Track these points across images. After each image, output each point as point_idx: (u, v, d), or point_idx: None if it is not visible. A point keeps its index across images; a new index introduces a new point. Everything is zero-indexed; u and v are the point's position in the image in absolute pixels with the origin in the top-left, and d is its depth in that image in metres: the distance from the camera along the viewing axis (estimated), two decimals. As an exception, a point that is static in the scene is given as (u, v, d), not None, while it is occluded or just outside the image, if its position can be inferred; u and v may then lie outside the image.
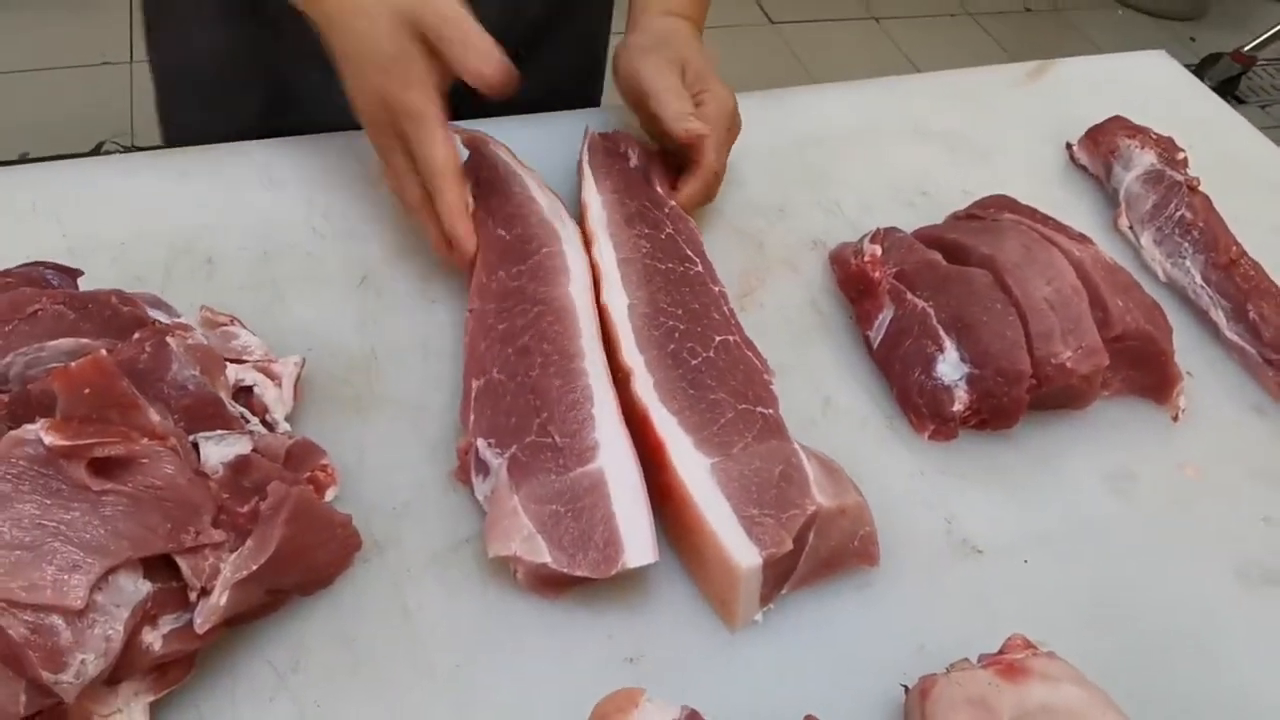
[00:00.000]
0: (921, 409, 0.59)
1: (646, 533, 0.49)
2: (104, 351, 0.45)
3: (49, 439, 0.41)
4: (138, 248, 0.63)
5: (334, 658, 0.47)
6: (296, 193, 0.69)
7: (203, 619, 0.44)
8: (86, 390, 0.43)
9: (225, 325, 0.55)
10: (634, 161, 0.67)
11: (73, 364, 0.44)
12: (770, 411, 0.55)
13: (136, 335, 0.47)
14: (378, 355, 0.60)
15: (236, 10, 0.74)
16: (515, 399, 0.55)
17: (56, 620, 0.40)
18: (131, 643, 0.41)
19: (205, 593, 0.44)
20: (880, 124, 0.83)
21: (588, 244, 0.62)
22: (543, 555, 0.48)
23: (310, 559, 0.49)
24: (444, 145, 0.58)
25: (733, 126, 0.69)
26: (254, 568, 0.45)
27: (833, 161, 0.78)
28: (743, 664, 0.49)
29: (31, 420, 0.42)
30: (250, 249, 0.65)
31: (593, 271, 0.61)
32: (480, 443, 0.53)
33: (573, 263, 0.61)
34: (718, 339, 0.58)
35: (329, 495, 0.51)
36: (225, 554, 0.45)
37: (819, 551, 0.51)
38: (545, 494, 0.50)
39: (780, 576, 0.51)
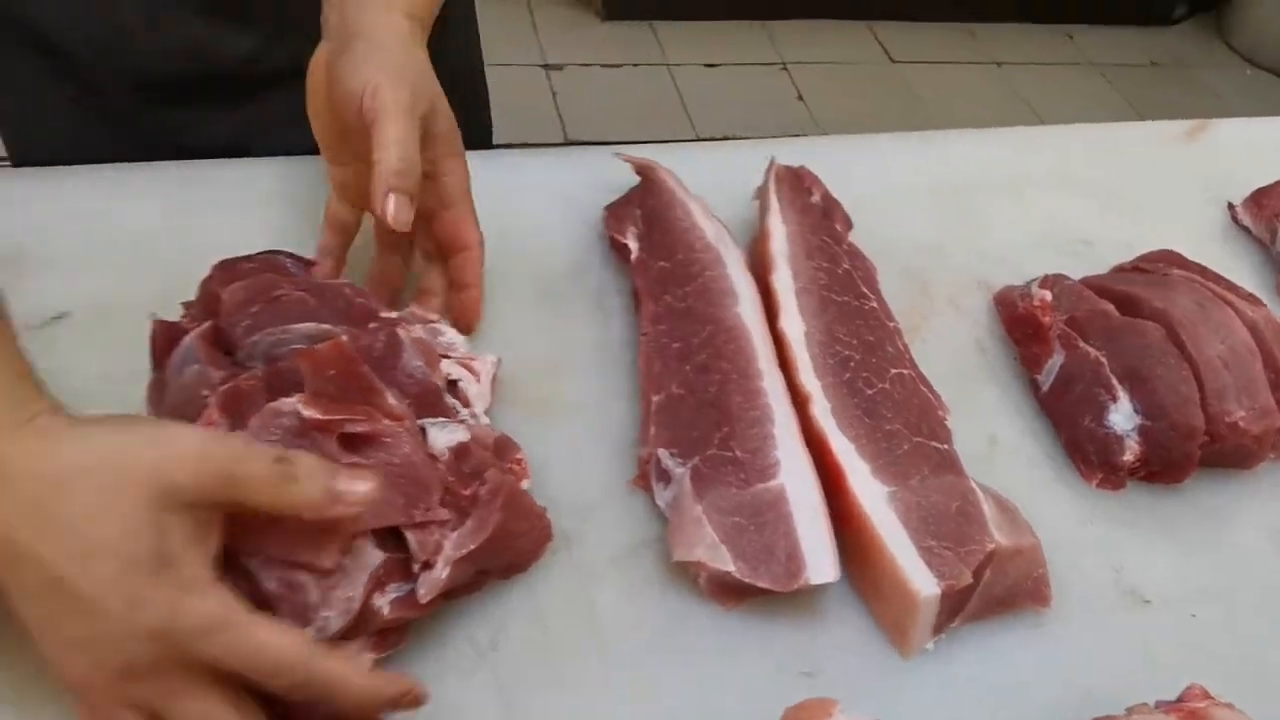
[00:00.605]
0: (1091, 456, 0.60)
1: (829, 551, 0.51)
2: (344, 338, 0.49)
3: (306, 412, 0.45)
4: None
5: (529, 641, 0.50)
6: (483, 207, 0.72)
7: (426, 590, 0.47)
8: (331, 372, 0.47)
9: (432, 323, 0.58)
10: (815, 198, 0.69)
11: (318, 346, 0.48)
12: (945, 447, 0.57)
13: (372, 325, 0.51)
14: (559, 363, 0.64)
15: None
16: (696, 413, 0.57)
17: (306, 578, 0.43)
18: (364, 606, 0.45)
19: (427, 566, 0.47)
20: (1031, 172, 0.84)
21: (765, 270, 0.64)
22: (727, 564, 0.51)
23: (514, 545, 0.52)
24: (270, 625, 0.41)
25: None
26: (472, 547, 0.48)
27: (989, 205, 0.79)
28: (914, 690, 0.51)
29: (287, 395, 0.46)
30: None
31: (765, 296, 0.63)
32: (662, 453, 0.56)
33: (739, 286, 0.63)
34: (893, 371, 0.60)
35: (523, 487, 0.54)
36: (448, 532, 0.48)
37: (993, 589, 0.52)
38: (728, 505, 0.53)
39: (953, 609, 0.52)
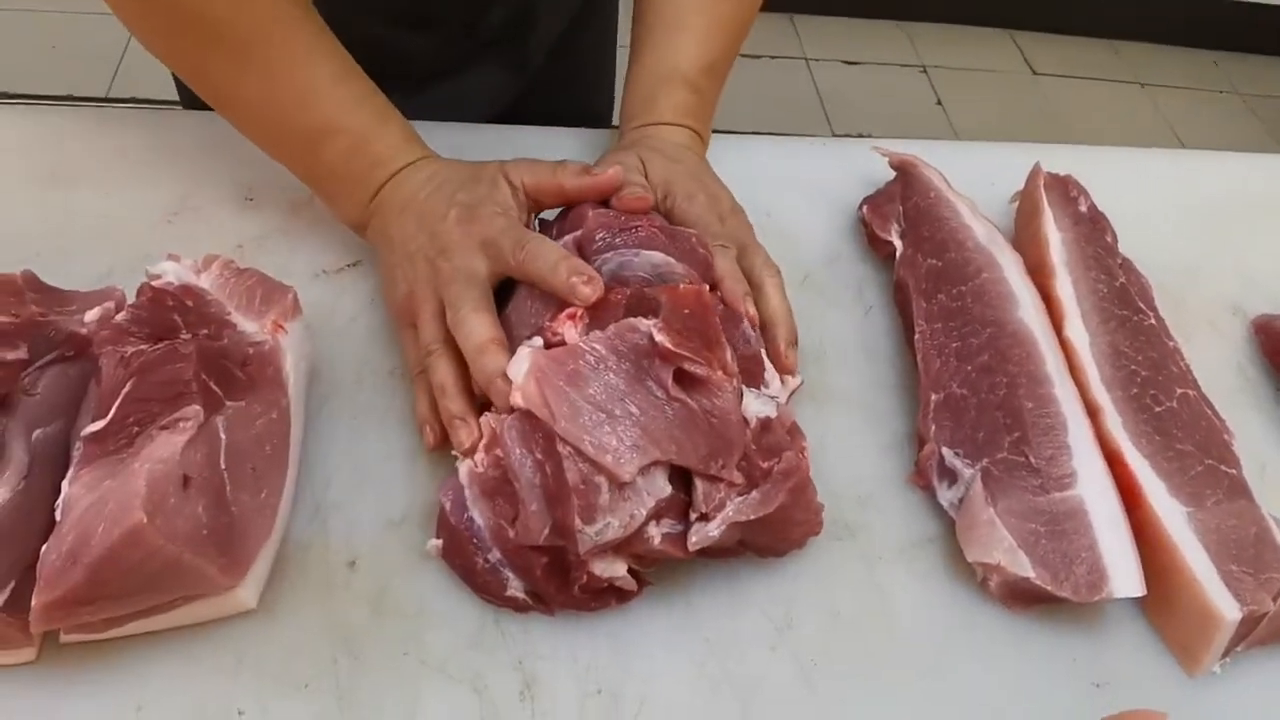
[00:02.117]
0: (1377, 494, 0.59)
1: (1133, 565, 0.50)
2: (705, 287, 0.52)
3: (659, 338, 0.47)
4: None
5: (821, 623, 0.51)
6: (739, 190, 0.73)
7: (697, 539, 0.48)
8: (686, 312, 0.49)
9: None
10: (1083, 207, 0.68)
11: (681, 286, 0.51)
12: (1234, 472, 0.56)
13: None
14: (826, 351, 0.64)
15: None
16: (981, 414, 0.57)
17: (603, 482, 0.45)
18: (640, 528, 0.46)
19: (704, 518, 0.48)
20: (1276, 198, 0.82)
21: (1043, 276, 0.64)
22: (1026, 569, 0.50)
23: (784, 530, 0.52)
24: (555, 248, 0.54)
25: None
26: (751, 517, 0.48)
27: (1243, 229, 0.78)
28: (1205, 711, 0.50)
29: (641, 316, 0.49)
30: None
31: (1047, 304, 0.62)
32: (946, 451, 0.56)
33: (1018, 290, 0.63)
34: (1179, 391, 0.59)
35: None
36: (734, 495, 0.49)
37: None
38: (1023, 511, 0.53)
39: (1244, 634, 0.52)
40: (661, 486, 0.47)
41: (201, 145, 0.69)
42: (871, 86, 2.38)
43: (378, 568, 0.50)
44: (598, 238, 0.55)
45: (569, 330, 0.50)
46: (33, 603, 0.39)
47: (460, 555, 0.50)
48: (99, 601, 0.40)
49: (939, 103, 2.37)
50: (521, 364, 0.48)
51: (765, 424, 0.51)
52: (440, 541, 0.50)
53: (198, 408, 0.44)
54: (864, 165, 0.75)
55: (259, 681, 0.45)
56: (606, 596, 0.50)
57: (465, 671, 0.47)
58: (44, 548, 0.40)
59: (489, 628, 0.49)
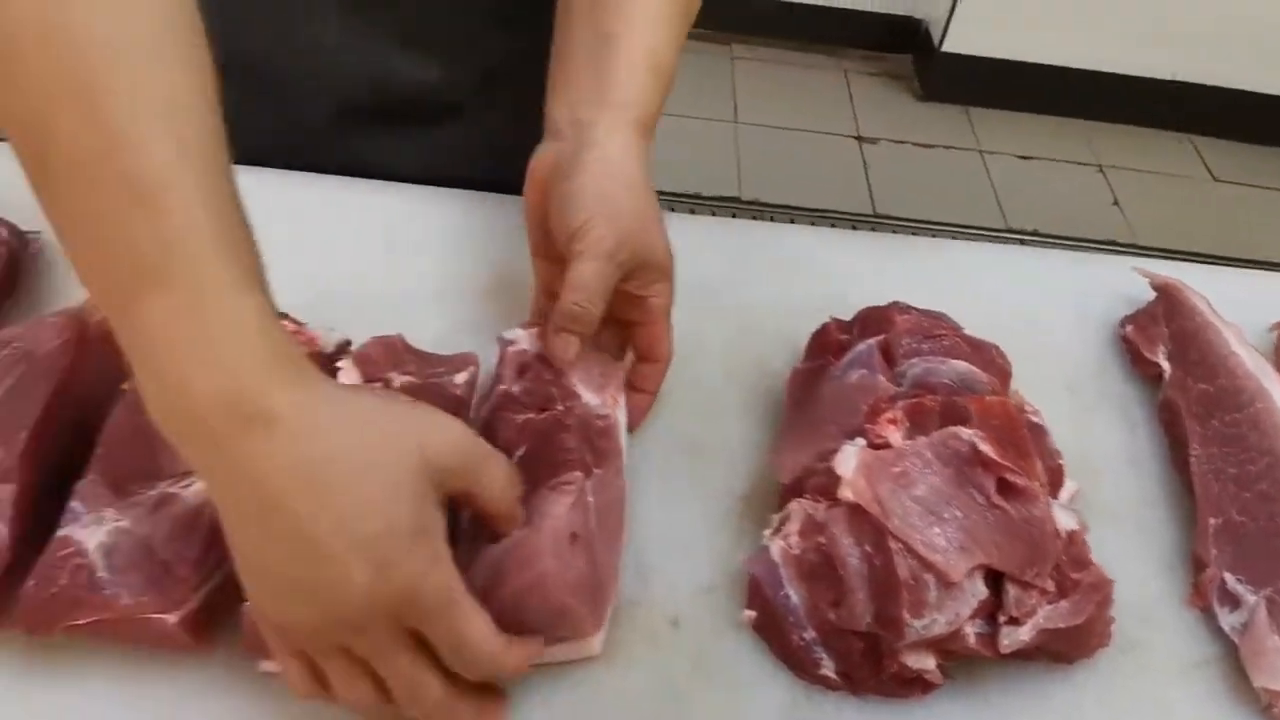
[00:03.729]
0: None
1: None
2: (1008, 399, 0.55)
3: (983, 447, 0.51)
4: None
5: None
6: (1002, 301, 0.76)
7: (1009, 642, 0.51)
8: (995, 423, 0.53)
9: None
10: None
11: (989, 398, 0.55)
12: None
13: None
14: (1094, 463, 0.66)
15: None
16: (1263, 542, 0.59)
17: (931, 579, 0.49)
18: (958, 629, 0.50)
19: (1014, 621, 0.51)
20: None
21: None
22: (1318, 701, 0.52)
23: (1081, 639, 0.55)
24: (488, 623, 0.44)
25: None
26: (1061, 625, 0.51)
27: None
28: None
29: (953, 423, 0.53)
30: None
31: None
32: (1228, 576, 0.58)
33: (1291, 422, 0.65)
34: None
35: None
36: (1044, 603, 0.52)
37: None
38: (1313, 643, 0.54)
39: None
40: (981, 589, 0.51)
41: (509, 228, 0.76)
42: (1047, 182, 2.38)
43: (696, 629, 0.55)
44: (904, 342, 0.60)
45: (893, 434, 0.54)
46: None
47: (775, 629, 0.54)
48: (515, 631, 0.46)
49: (1115, 203, 2.36)
50: (850, 460, 0.53)
51: (1072, 536, 0.54)
52: (754, 614, 0.55)
53: (580, 473, 0.50)
54: (1115, 280, 0.78)
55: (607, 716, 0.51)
56: (912, 686, 0.53)
57: (780, 739, 0.51)
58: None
59: (801, 702, 0.53)
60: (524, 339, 0.60)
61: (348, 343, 0.60)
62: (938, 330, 0.60)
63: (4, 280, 0.65)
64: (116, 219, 0.38)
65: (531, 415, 0.52)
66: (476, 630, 0.43)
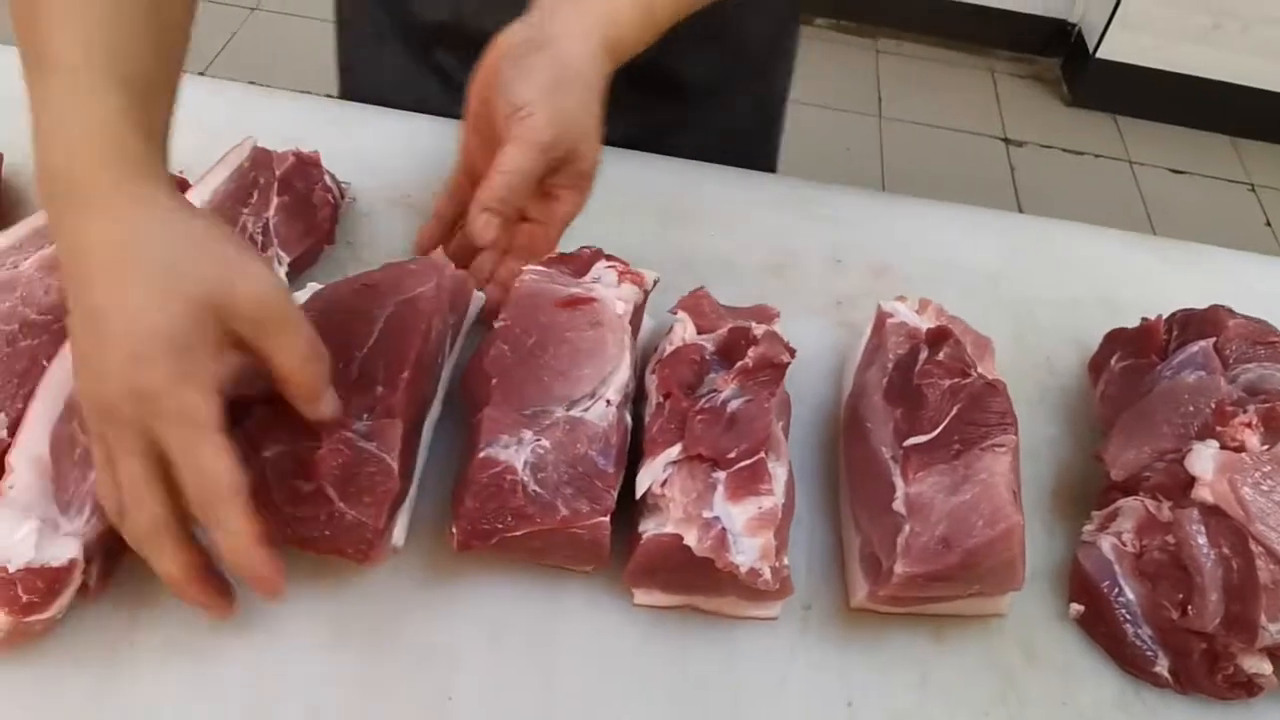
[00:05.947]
0: None
1: None
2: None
3: None
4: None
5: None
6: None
7: None
8: None
9: None
10: None
11: None
12: None
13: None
14: None
15: None
16: None
17: None
18: None
19: None
20: None
21: None
22: None
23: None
24: (227, 458, 0.44)
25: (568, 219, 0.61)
26: None
27: None
28: None
29: None
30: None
31: None
32: None
33: None
34: None
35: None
36: None
37: None
38: None
39: None
40: None
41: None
42: (1197, 197, 2.32)
43: (1023, 619, 0.55)
44: (1236, 346, 0.59)
45: (1249, 437, 0.54)
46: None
47: (1106, 625, 0.54)
48: (955, 581, 0.50)
49: (1268, 224, 2.29)
50: (1207, 462, 0.53)
51: None
52: (1082, 608, 0.55)
53: (1012, 435, 0.52)
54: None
55: (946, 697, 0.52)
56: (1240, 689, 0.53)
57: (1115, 730, 0.52)
58: (910, 530, 0.50)
59: (1129, 694, 0.53)
60: (902, 311, 0.61)
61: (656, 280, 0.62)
62: (1270, 336, 0.60)
63: (330, 230, 0.68)
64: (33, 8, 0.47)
65: (959, 380, 0.54)
66: (212, 459, 0.43)
